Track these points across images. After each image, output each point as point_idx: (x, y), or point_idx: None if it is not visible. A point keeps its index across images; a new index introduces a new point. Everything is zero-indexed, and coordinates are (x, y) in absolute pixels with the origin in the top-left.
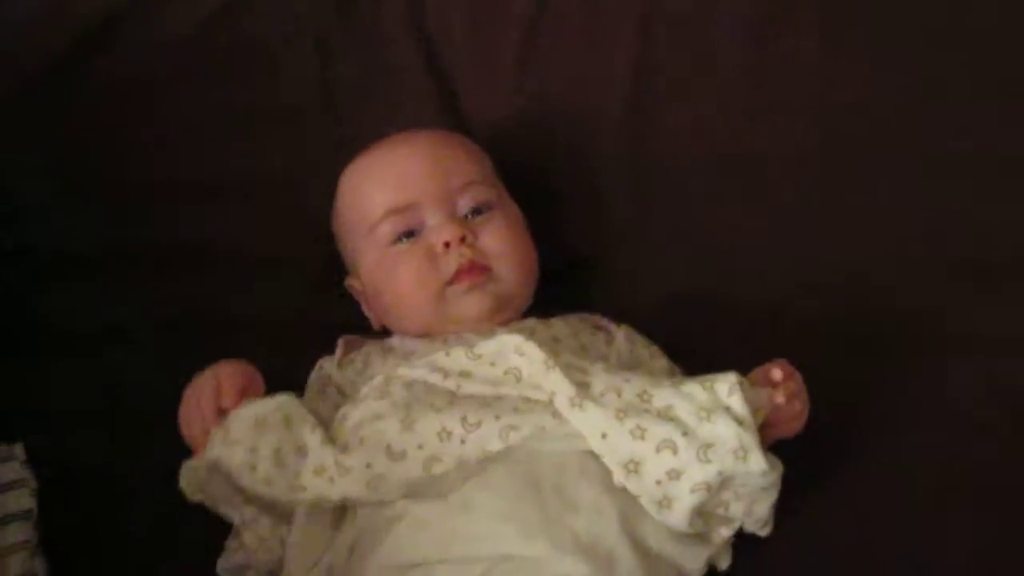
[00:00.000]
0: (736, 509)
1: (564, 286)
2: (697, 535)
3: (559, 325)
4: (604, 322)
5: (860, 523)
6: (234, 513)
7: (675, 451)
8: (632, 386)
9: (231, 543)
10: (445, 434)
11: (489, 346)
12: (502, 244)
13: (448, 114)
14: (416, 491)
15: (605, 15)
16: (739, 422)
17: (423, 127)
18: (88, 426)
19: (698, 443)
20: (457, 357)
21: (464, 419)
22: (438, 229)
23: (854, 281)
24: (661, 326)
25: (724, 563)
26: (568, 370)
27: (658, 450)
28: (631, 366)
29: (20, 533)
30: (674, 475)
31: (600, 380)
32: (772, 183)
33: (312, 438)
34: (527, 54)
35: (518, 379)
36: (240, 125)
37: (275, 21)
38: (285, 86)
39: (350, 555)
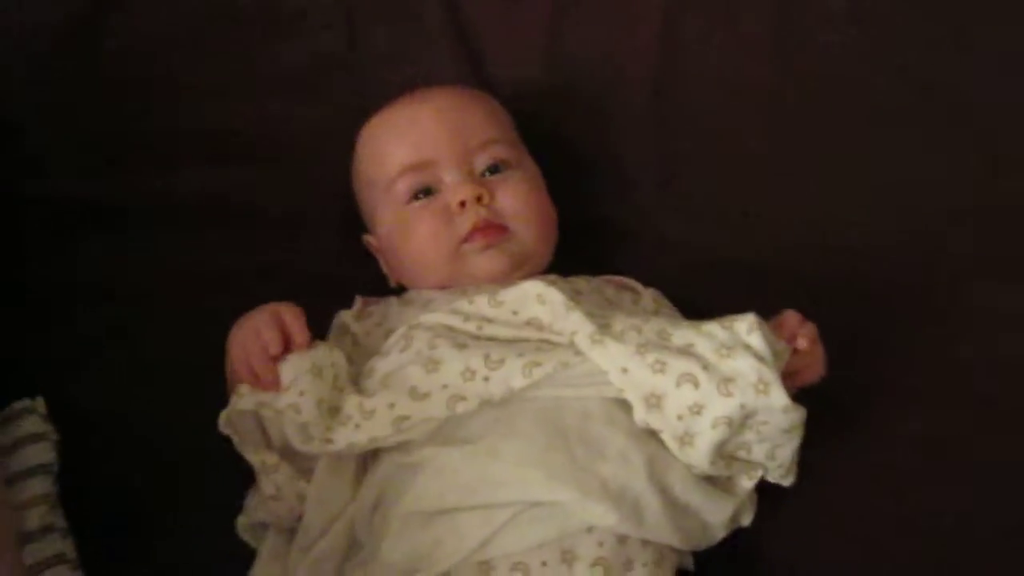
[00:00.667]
0: (759, 452)
1: (589, 252)
2: (722, 487)
3: (581, 282)
4: (632, 283)
5: (869, 487)
6: (257, 457)
7: (696, 384)
8: (652, 325)
9: (250, 501)
10: (468, 373)
11: (510, 293)
12: (518, 203)
13: (474, 78)
14: (441, 437)
15: None
16: (759, 358)
17: (442, 85)
18: (108, 379)
19: (719, 377)
20: (479, 304)
21: (487, 357)
22: (454, 188)
23: (876, 246)
24: (687, 292)
25: (747, 519)
26: (588, 313)
27: (679, 384)
28: None
29: (41, 486)
30: (696, 409)
31: (620, 320)
32: (797, 151)
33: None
34: (555, 20)
35: (539, 328)
36: (265, 85)
37: None
38: (311, 47)
39: (374, 509)
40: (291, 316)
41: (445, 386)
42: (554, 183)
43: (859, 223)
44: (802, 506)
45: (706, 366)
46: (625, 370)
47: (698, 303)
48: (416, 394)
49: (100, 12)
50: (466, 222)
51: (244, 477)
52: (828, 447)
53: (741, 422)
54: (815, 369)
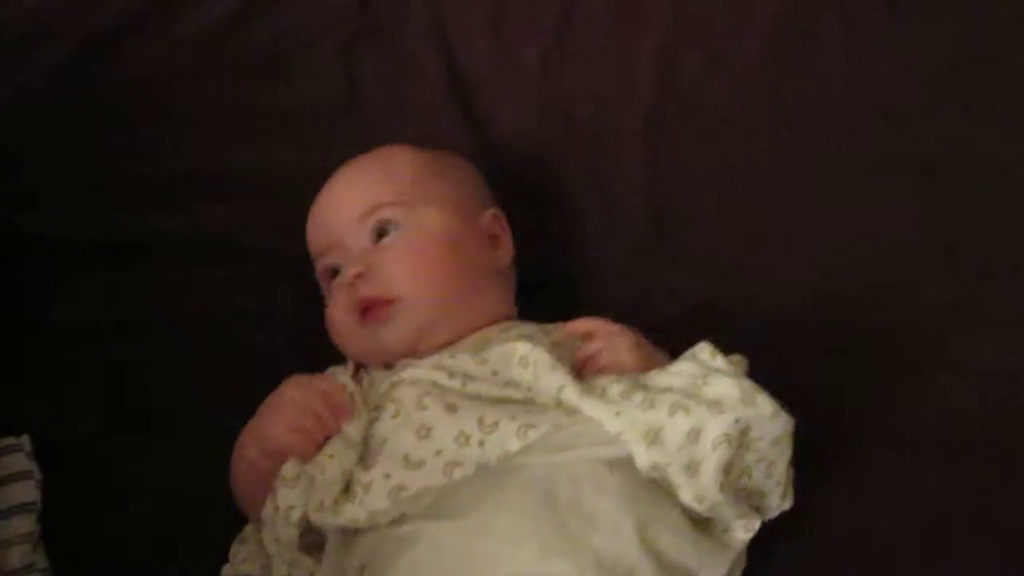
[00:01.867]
0: (759, 473)
1: (582, 298)
2: (717, 540)
3: (558, 332)
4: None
5: (863, 532)
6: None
7: (688, 411)
8: (627, 378)
9: (236, 550)
10: (463, 437)
11: (494, 352)
12: (403, 267)
13: (467, 120)
14: (431, 509)
15: (628, 26)
16: (733, 376)
17: (361, 152)
18: (97, 419)
19: (707, 401)
20: (462, 360)
21: (481, 420)
22: (346, 265)
23: (869, 293)
24: (679, 339)
25: (737, 570)
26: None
27: (672, 413)
28: None
29: (23, 525)
30: (694, 435)
31: (598, 380)
32: (789, 194)
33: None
34: (548, 64)
35: (521, 387)
36: (260, 125)
37: (298, 23)
38: (306, 87)
39: None
40: (341, 397)
41: (439, 452)
42: (546, 225)
43: (855, 268)
44: (792, 555)
45: (690, 395)
46: (618, 413)
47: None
48: (410, 463)
49: (100, 51)
50: (359, 299)
51: (234, 525)
52: (821, 494)
53: (739, 440)
54: (614, 355)
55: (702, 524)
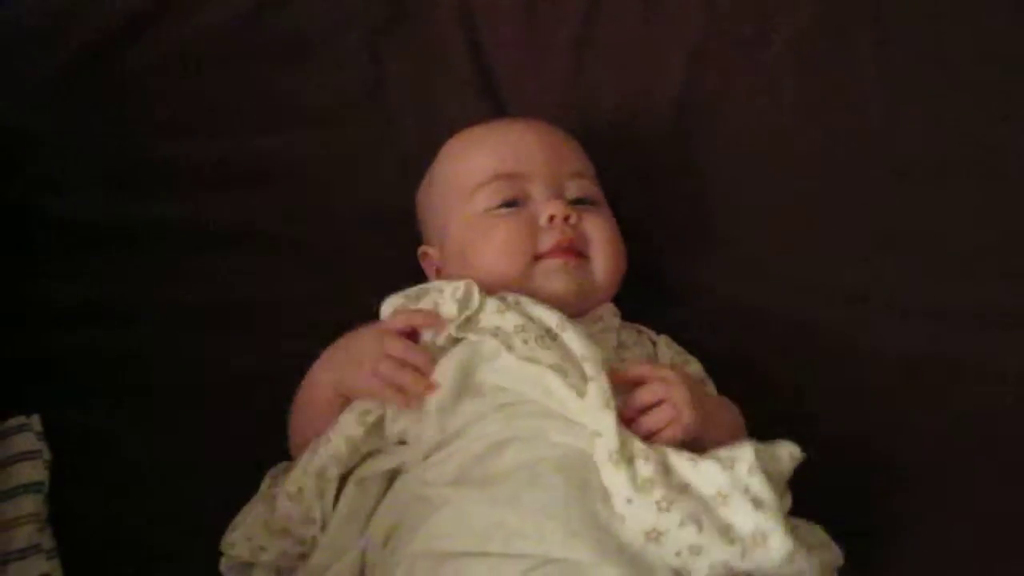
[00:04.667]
0: None
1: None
2: None
3: (625, 333)
4: (646, 331)
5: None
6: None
7: (700, 528)
8: (658, 453)
9: (232, 539)
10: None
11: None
12: (602, 236)
13: (493, 110)
14: (463, 475)
15: (658, 24)
16: (757, 503)
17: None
18: (105, 400)
19: (719, 523)
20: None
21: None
22: (545, 203)
23: (894, 296)
24: (704, 339)
25: None
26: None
27: (682, 524)
28: None
29: (30, 505)
30: (695, 550)
31: (638, 443)
32: (818, 194)
33: None
34: (576, 60)
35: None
36: (284, 112)
37: (324, 10)
38: (331, 75)
39: (386, 542)
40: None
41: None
42: None
43: (882, 271)
44: None
45: (708, 509)
46: (629, 501)
47: (722, 352)
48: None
49: (123, 37)
50: (551, 237)
51: (240, 506)
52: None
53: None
54: (674, 424)
55: None
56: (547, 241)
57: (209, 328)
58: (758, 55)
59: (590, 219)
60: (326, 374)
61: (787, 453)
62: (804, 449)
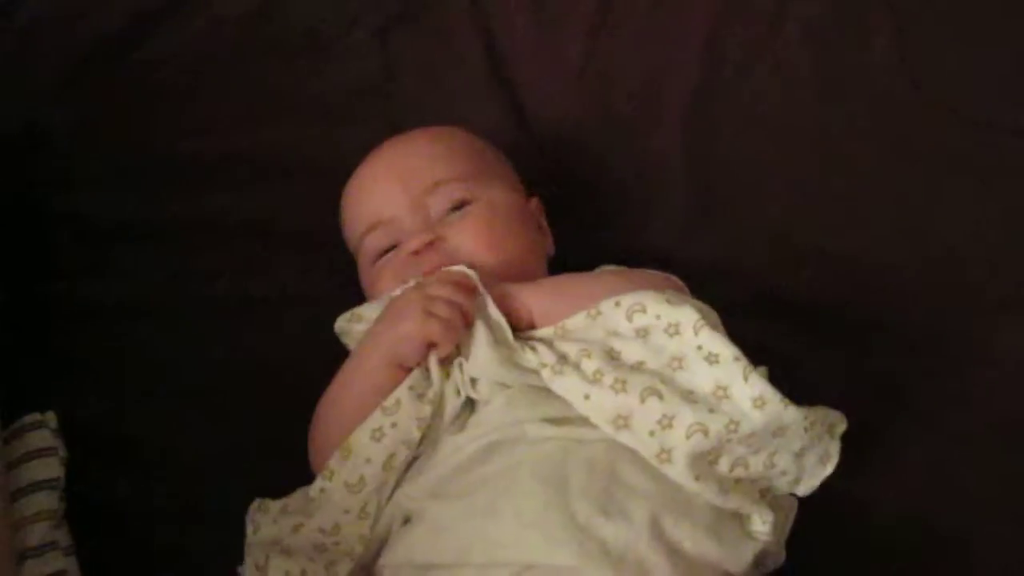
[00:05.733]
0: (756, 464)
1: None
2: (741, 531)
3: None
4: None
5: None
6: None
7: (660, 396)
8: (599, 345)
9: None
10: None
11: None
12: (474, 240)
13: (507, 104)
14: (440, 488)
15: (672, 10)
16: (711, 360)
17: (403, 131)
18: (123, 396)
19: (679, 389)
20: None
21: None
22: (407, 239)
23: (912, 279)
24: (725, 325)
25: (775, 563)
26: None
27: (643, 399)
28: None
29: (46, 501)
30: (665, 422)
31: (574, 346)
32: (837, 180)
33: None
34: (589, 47)
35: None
36: (296, 106)
37: (336, 5)
38: (343, 69)
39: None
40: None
41: None
42: (587, 212)
43: (899, 255)
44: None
45: (663, 380)
46: (587, 396)
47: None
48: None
49: (136, 33)
50: (418, 271)
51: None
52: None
53: (723, 430)
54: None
55: (726, 514)
56: (418, 273)
57: (226, 323)
58: (774, 40)
59: (460, 227)
60: (370, 349)
61: (705, 305)
62: None
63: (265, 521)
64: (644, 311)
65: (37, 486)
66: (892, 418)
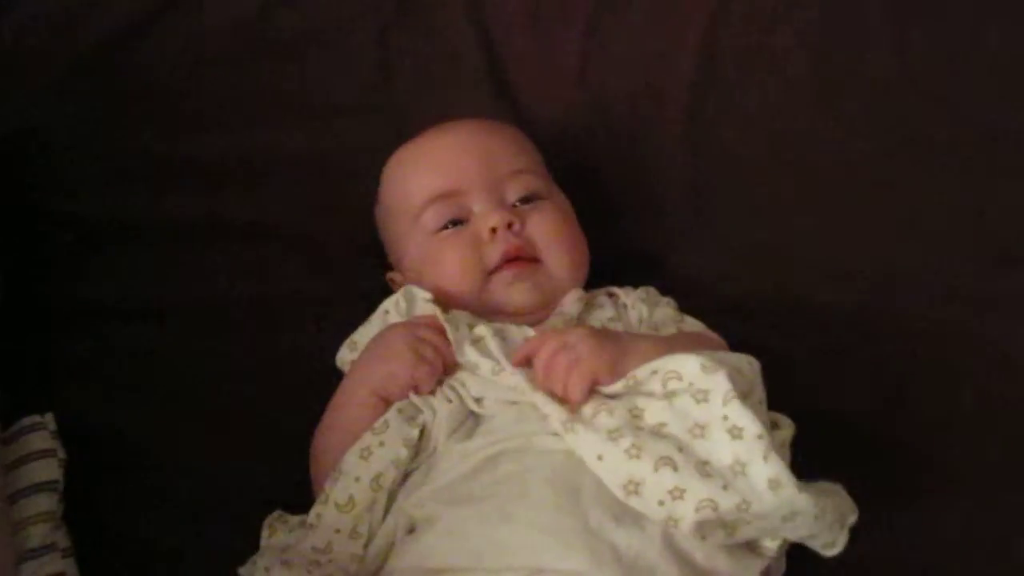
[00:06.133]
0: (768, 543)
1: (619, 283)
2: (749, 547)
3: (590, 308)
4: (619, 291)
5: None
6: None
7: (675, 468)
8: (623, 403)
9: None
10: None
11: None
12: (551, 233)
13: (505, 105)
14: (452, 494)
15: (669, 10)
16: (735, 434)
17: (471, 116)
18: (123, 398)
19: (695, 459)
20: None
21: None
22: (485, 216)
23: (912, 282)
24: (718, 328)
25: (778, 573)
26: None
27: (656, 468)
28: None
29: (44, 503)
30: (677, 494)
31: (591, 403)
32: (835, 181)
33: None
34: (587, 48)
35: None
36: (294, 108)
37: (336, 8)
38: (341, 71)
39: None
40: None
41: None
42: (585, 215)
43: (897, 257)
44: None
45: (681, 447)
46: (600, 457)
47: (727, 337)
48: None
49: (134, 34)
50: (496, 251)
51: (256, 502)
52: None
53: (735, 510)
54: (575, 368)
55: None
56: (493, 255)
57: (224, 324)
58: (771, 40)
59: (536, 218)
60: (359, 380)
61: (745, 363)
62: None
63: (283, 530)
64: (680, 378)
65: (36, 488)
66: (892, 418)
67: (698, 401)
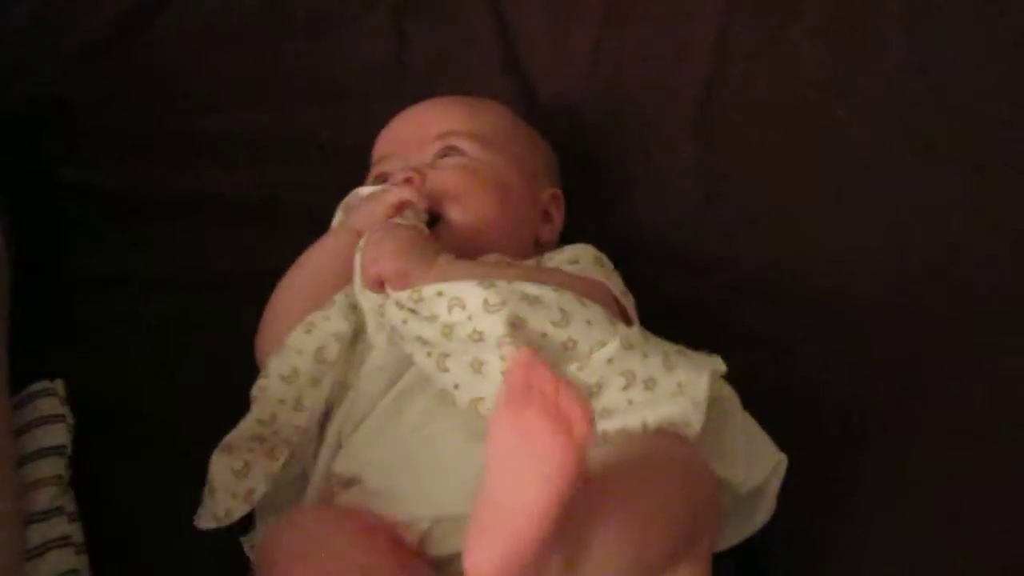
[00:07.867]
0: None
1: (628, 270)
2: None
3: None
4: None
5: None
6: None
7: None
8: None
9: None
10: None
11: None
12: (452, 184)
13: (518, 89)
14: (365, 454)
15: (683, 0)
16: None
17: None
18: (134, 370)
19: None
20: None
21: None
22: (393, 175)
23: (919, 274)
24: (727, 314)
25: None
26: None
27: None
28: None
29: (52, 467)
30: (477, 366)
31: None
32: (848, 173)
33: None
34: (602, 33)
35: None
36: (309, 86)
37: None
38: (356, 50)
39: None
40: None
41: None
42: (594, 201)
43: (906, 250)
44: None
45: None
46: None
47: (742, 326)
48: None
49: (153, 8)
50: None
51: None
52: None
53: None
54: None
55: None
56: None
57: (236, 299)
58: (785, 31)
59: (441, 170)
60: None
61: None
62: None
63: None
64: (463, 306)
65: (44, 452)
66: (895, 405)
67: (474, 341)
